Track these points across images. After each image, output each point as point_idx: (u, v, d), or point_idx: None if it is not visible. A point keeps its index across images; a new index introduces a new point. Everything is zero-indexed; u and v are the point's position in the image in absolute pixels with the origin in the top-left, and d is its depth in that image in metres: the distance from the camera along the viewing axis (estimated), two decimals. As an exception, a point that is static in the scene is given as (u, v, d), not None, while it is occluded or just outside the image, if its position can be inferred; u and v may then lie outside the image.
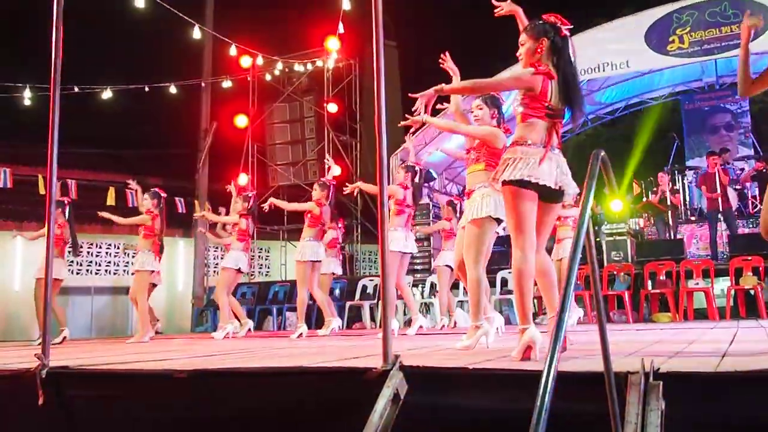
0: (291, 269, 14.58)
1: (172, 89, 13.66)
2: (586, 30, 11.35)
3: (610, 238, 10.16)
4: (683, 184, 12.34)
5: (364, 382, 2.43)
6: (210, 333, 9.19)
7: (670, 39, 10.94)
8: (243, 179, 14.03)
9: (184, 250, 15.16)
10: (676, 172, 12.36)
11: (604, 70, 11.30)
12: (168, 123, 16.49)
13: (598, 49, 11.12)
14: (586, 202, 1.87)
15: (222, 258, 8.51)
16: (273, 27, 16.09)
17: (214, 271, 14.49)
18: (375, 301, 10.39)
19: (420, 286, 11.13)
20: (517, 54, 3.37)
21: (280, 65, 14.40)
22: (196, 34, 11.64)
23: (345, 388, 2.58)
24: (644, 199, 11.95)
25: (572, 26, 3.37)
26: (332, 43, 13.24)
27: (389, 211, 6.59)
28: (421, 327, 6.81)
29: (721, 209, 10.16)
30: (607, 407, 1.80)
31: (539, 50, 3.25)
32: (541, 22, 3.31)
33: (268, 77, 14.87)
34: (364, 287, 10.91)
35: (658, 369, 2.04)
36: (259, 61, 14.26)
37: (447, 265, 7.92)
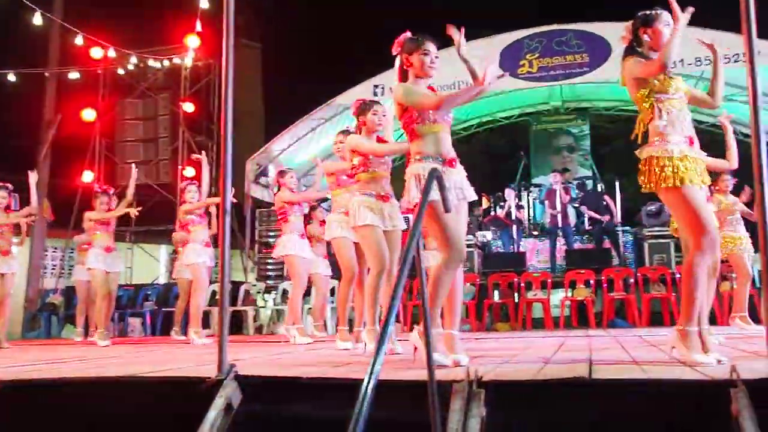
0: (137, 273, 13.93)
1: (11, 77, 12.70)
2: (444, 48, 11.74)
3: (459, 250, 10.53)
4: (528, 200, 13.07)
5: (197, 392, 2.37)
6: (42, 339, 8.61)
7: (521, 63, 11.53)
8: (88, 176, 13.27)
9: (19, 250, 14.06)
10: (522, 188, 13.09)
11: (459, 88, 11.70)
12: (7, 113, 15.24)
13: (454, 68, 11.40)
14: (418, 216, 1.92)
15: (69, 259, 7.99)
16: (128, 19, 15.30)
17: (51, 273, 13.56)
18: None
19: (273, 292, 10.98)
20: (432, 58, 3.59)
21: (134, 59, 13.76)
22: (37, 19, 10.89)
23: (177, 398, 2.50)
24: (492, 213, 12.55)
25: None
26: (191, 41, 12.81)
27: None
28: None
29: (560, 225, 10.89)
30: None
31: None
32: None
33: (120, 71, 14.16)
34: (213, 293, 10.59)
35: (482, 377, 2.13)
36: (111, 53, 13.52)
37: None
